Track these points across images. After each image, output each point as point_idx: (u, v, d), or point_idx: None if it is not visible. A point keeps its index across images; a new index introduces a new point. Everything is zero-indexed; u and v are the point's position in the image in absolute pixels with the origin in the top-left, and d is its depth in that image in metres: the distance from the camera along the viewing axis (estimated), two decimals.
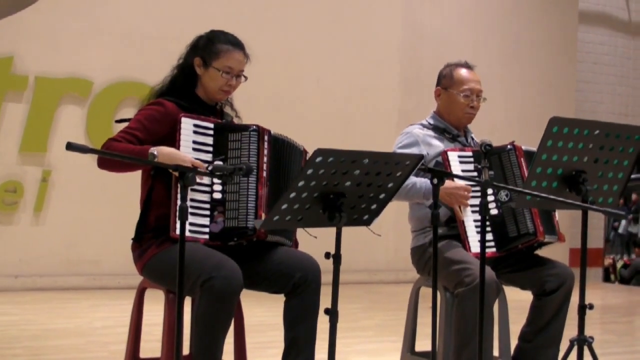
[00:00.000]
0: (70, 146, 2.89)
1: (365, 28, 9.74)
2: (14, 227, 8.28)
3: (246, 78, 3.98)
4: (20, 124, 8.26)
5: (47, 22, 8.38)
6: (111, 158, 3.69)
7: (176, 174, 3.60)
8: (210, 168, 3.22)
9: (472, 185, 4.30)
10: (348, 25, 9.67)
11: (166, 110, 3.82)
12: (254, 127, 3.80)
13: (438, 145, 4.47)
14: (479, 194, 4.21)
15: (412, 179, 4.30)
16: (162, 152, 3.62)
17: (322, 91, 9.51)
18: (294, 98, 9.33)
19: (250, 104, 8.07)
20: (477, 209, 4.16)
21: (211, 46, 3.92)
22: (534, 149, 4.41)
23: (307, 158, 3.10)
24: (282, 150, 3.90)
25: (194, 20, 8.11)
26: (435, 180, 3.63)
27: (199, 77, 3.94)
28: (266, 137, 3.81)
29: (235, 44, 3.95)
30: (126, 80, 8.53)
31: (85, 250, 8.48)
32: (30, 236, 8.29)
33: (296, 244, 4.03)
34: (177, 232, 3.61)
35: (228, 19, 8.26)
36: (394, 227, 8.46)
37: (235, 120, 4.07)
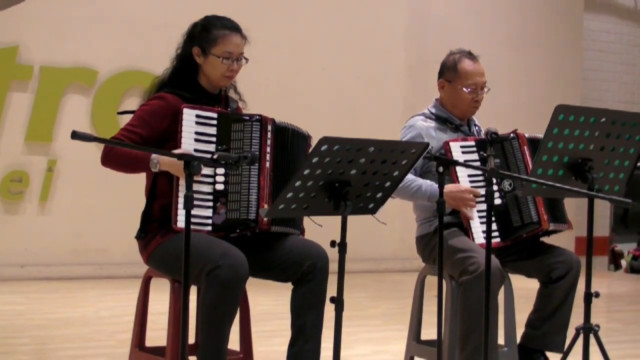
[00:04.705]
0: (75, 135, 2.89)
1: (371, 15, 9.71)
2: (20, 217, 8.28)
3: (247, 60, 3.95)
4: (26, 114, 8.25)
5: (52, 11, 8.37)
6: (117, 161, 3.73)
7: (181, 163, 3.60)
8: (215, 157, 3.22)
9: (476, 175, 4.29)
10: (353, 12, 9.64)
11: (167, 104, 3.81)
12: (257, 116, 3.78)
13: (441, 137, 4.45)
14: (483, 183, 4.20)
15: (418, 181, 4.30)
16: (164, 161, 3.64)
17: (328, 79, 9.49)
18: (300, 86, 9.31)
19: (256, 93, 8.03)
20: (482, 198, 4.15)
21: (207, 34, 3.89)
22: (538, 135, 4.42)
23: (313, 146, 3.09)
24: (287, 139, 3.89)
25: (200, 8, 8.02)
26: (440, 169, 3.62)
27: (199, 66, 3.92)
28: (269, 127, 3.80)
29: (232, 27, 3.92)
30: (131, 70, 8.51)
31: (91, 240, 8.48)
32: (36, 226, 8.30)
33: (303, 232, 4.02)
34: (179, 224, 3.63)
35: (233, 6, 8.22)
36: (400, 215, 8.44)
37: (240, 104, 4.06)
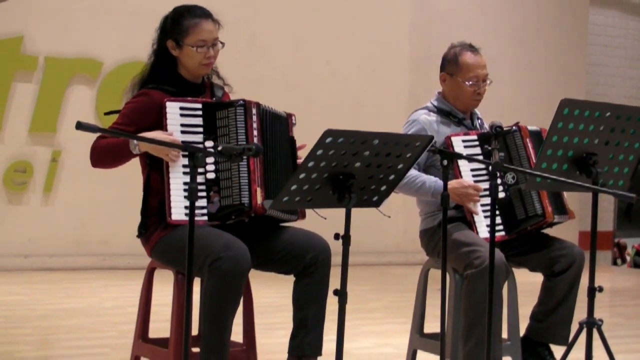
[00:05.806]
0: (80, 125, 2.90)
1: (375, 8, 9.70)
2: (24, 207, 8.30)
3: (223, 44, 3.94)
4: (30, 104, 8.26)
5: (57, 1, 8.36)
6: (102, 156, 3.80)
7: (179, 155, 3.61)
8: (220, 149, 3.21)
9: (479, 169, 4.29)
10: (358, 5, 9.63)
11: (151, 100, 3.82)
12: (241, 101, 3.78)
13: (444, 131, 4.44)
14: (486, 177, 4.20)
15: (422, 177, 4.29)
16: (142, 143, 3.65)
17: (332, 72, 9.48)
18: (304, 79, 9.30)
19: (260, 86, 8.04)
20: (486, 193, 4.14)
21: (178, 25, 3.91)
22: (538, 127, 4.41)
23: (319, 138, 3.08)
24: (273, 121, 3.89)
25: (204, 1, 8.08)
26: (444, 162, 3.62)
27: (177, 58, 3.93)
28: (254, 111, 3.79)
29: (202, 15, 3.93)
30: (136, 61, 8.45)
31: (94, 231, 8.49)
32: (39, 216, 8.31)
33: (303, 215, 4.01)
34: (174, 216, 3.63)
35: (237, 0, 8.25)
36: (403, 208, 8.43)
37: (226, 89, 4.06)
